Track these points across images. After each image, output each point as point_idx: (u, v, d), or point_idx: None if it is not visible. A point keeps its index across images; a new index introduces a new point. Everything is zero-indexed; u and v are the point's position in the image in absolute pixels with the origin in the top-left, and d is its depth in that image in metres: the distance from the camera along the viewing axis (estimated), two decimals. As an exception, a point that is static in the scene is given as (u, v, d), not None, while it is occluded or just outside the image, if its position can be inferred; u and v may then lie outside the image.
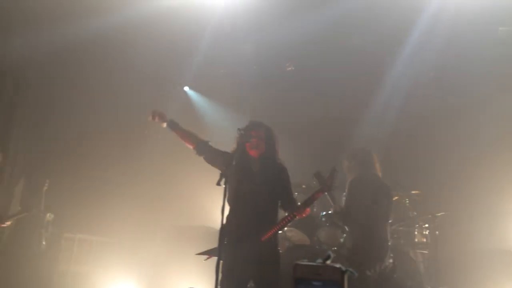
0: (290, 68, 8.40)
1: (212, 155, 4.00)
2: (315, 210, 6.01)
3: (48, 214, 6.21)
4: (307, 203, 3.75)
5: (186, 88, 8.81)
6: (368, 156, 5.27)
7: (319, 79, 7.61)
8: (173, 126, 4.15)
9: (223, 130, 6.41)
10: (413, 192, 6.06)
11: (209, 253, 3.75)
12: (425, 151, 7.14)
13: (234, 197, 3.78)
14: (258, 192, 3.80)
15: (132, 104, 7.90)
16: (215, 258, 3.19)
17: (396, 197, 5.94)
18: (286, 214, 3.86)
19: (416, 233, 5.80)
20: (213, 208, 5.63)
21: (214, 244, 3.69)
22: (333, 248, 5.48)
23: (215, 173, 3.34)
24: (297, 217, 3.77)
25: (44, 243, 6.32)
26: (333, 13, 6.56)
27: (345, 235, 5.33)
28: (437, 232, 5.69)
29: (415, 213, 5.88)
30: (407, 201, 5.99)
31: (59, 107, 7.57)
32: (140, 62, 7.52)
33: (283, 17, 6.95)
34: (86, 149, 7.48)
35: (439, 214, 5.69)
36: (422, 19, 6.67)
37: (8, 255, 6.12)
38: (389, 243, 5.01)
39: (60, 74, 7.45)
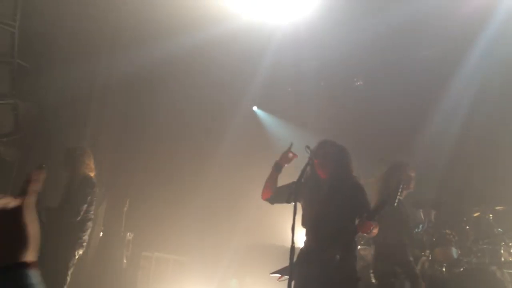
0: (359, 83, 8.27)
1: (279, 192, 3.86)
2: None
3: (128, 234, 6.48)
4: (369, 216, 3.59)
5: (254, 108, 8.96)
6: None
7: (387, 93, 7.42)
8: (279, 169, 4.07)
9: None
10: (497, 207, 5.66)
11: (281, 272, 3.73)
12: (508, 162, 6.66)
13: (305, 218, 3.76)
14: (327, 214, 3.71)
15: (203, 125, 8.20)
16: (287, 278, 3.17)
17: (478, 213, 5.60)
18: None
19: (502, 251, 5.38)
20: (284, 227, 5.63)
21: (285, 263, 3.69)
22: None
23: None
24: (359, 232, 3.62)
25: (125, 261, 6.62)
26: (398, 23, 6.42)
27: (423, 253, 5.10)
28: (526, 250, 5.26)
29: (501, 230, 5.48)
30: (491, 217, 5.61)
31: (137, 128, 8.03)
32: (209, 84, 7.81)
33: (346, 31, 6.89)
34: (162, 169, 7.83)
35: (528, 231, 5.28)
36: (490, 27, 6.34)
37: (93, 273, 6.46)
38: None
39: (138, 94, 7.95)
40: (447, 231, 5.25)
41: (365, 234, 3.63)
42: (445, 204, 5.88)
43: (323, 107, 8.04)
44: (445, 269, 5.25)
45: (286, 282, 3.14)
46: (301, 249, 3.75)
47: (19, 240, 0.89)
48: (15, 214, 0.90)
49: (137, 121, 8.06)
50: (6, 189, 5.56)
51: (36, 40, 6.31)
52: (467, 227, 5.61)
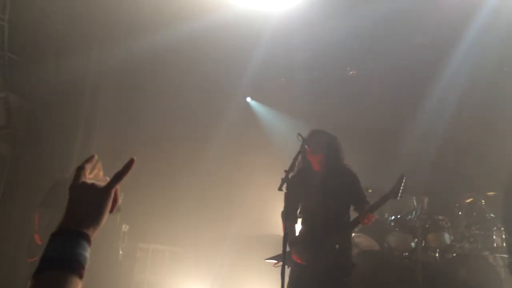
0: (352, 72, 8.27)
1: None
2: (386, 215, 5.84)
3: (124, 226, 6.50)
4: (372, 209, 3.65)
5: (248, 99, 8.96)
6: None
7: (379, 82, 7.44)
8: None
9: (286, 139, 6.46)
10: (489, 193, 5.71)
11: (277, 258, 3.77)
12: (500, 148, 6.71)
13: (300, 208, 3.81)
14: (323, 203, 3.76)
15: (196, 116, 8.19)
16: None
17: (470, 199, 5.65)
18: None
19: (494, 236, 5.44)
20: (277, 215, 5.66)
21: (281, 251, 3.73)
22: (404, 254, 5.33)
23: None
24: (360, 224, 3.68)
25: (121, 252, 6.64)
26: (390, 12, 6.42)
27: (416, 239, 5.15)
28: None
29: (493, 215, 5.53)
30: (483, 203, 5.66)
31: (131, 120, 8.02)
32: (201, 75, 7.79)
33: (338, 20, 6.87)
34: (156, 161, 7.83)
35: (520, 216, 5.32)
36: (480, 17, 6.35)
37: (89, 265, 6.46)
38: None
39: (130, 87, 7.94)
40: (440, 217, 5.30)
41: (360, 224, 3.68)
42: (438, 190, 5.93)
43: (316, 97, 8.05)
44: (438, 254, 5.31)
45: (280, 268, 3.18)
46: (297, 237, 3.80)
47: (91, 215, 1.00)
48: (101, 193, 1.02)
49: (130, 113, 8.03)
50: (-1, 183, 5.56)
51: (27, 33, 6.27)
52: (460, 213, 5.66)
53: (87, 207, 1.00)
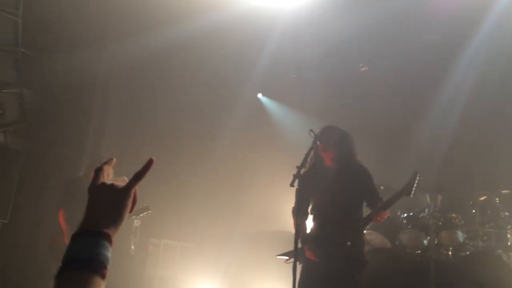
0: (364, 68, 8.19)
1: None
2: (398, 213, 5.78)
3: (135, 221, 6.52)
4: (385, 206, 3.60)
5: (259, 95, 8.93)
6: None
7: (390, 78, 7.37)
8: None
9: (297, 136, 6.43)
10: (504, 191, 5.63)
11: (289, 254, 3.75)
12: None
13: (313, 205, 3.79)
14: (334, 199, 3.73)
15: (207, 113, 8.20)
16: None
17: (484, 197, 5.58)
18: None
19: (508, 235, 5.37)
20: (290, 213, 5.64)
21: (291, 248, 3.72)
22: (417, 252, 5.28)
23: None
24: (372, 221, 3.64)
25: (133, 247, 6.68)
26: (401, 8, 6.34)
27: (429, 237, 5.10)
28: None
29: (507, 213, 5.46)
30: (497, 201, 5.59)
31: (141, 116, 8.05)
32: (212, 71, 7.78)
33: (349, 15, 6.80)
34: (167, 157, 7.85)
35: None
36: (493, 13, 6.24)
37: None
38: None
39: (140, 83, 7.98)
40: (453, 215, 5.24)
41: (373, 220, 3.64)
42: (451, 188, 5.86)
43: (327, 93, 7.99)
44: (451, 252, 5.25)
45: (291, 265, 3.17)
46: (308, 234, 3.77)
47: (112, 215, 1.01)
48: (121, 193, 1.03)
49: (141, 108, 8.07)
50: (13, 177, 5.61)
51: (40, 29, 6.31)
52: (473, 211, 5.60)
53: (107, 207, 1.01)
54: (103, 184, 1.04)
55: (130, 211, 1.05)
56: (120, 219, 1.02)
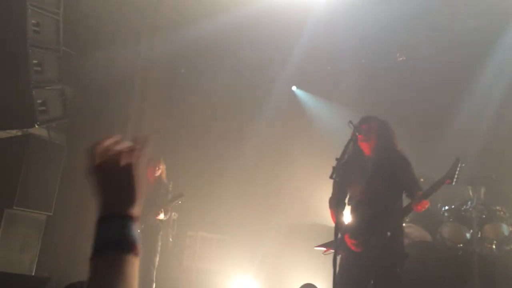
0: (401, 59, 7.99)
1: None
2: (439, 205, 5.64)
3: (173, 213, 6.64)
4: (426, 194, 3.50)
5: (293, 88, 8.88)
6: None
7: (428, 67, 7.16)
8: None
9: (334, 128, 6.36)
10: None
11: (328, 245, 3.72)
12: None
13: (351, 196, 3.74)
14: (374, 189, 3.65)
15: (244, 105, 8.25)
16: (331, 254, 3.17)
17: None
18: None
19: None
20: (327, 206, 5.61)
21: (327, 240, 3.69)
22: (459, 245, 5.15)
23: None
24: (413, 210, 3.55)
25: (171, 240, 6.81)
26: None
27: (471, 230, 4.96)
28: None
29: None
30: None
31: (178, 110, 8.18)
32: (246, 64, 7.80)
33: (385, 4, 6.65)
34: (204, 150, 7.96)
35: None
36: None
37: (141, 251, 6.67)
38: None
39: (176, 78, 8.13)
40: (498, 207, 5.08)
41: (414, 210, 3.55)
42: (495, 180, 5.67)
43: (363, 84, 7.86)
44: (495, 246, 5.09)
45: (331, 256, 3.14)
46: (348, 224, 3.72)
47: (128, 194, 0.95)
48: (127, 170, 0.96)
49: (179, 101, 8.20)
50: (56, 173, 5.80)
51: (80, 27, 6.49)
52: (519, 204, 5.40)
53: (117, 188, 0.95)
54: (101, 164, 0.95)
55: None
56: (135, 195, 0.95)
